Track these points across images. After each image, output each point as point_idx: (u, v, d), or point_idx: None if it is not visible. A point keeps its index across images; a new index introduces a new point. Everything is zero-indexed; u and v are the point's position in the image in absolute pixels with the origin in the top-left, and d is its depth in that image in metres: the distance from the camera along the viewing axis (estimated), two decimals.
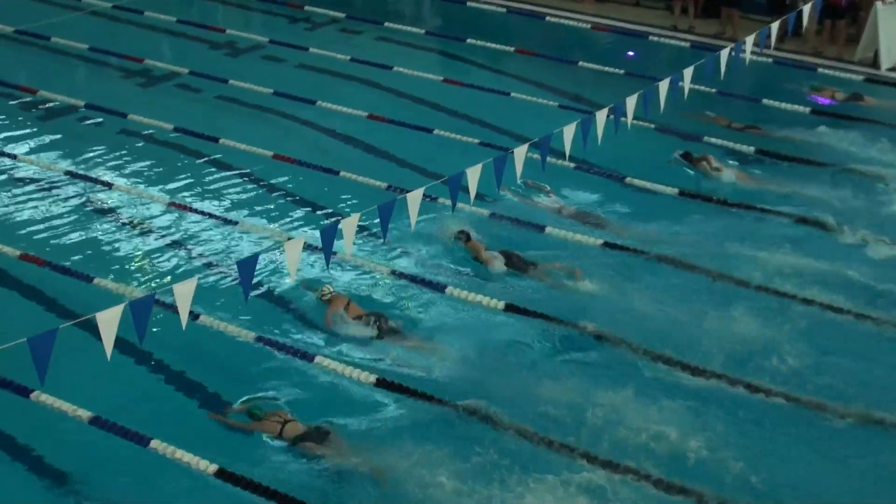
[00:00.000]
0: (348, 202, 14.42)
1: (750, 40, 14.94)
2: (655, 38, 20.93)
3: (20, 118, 17.18)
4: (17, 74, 18.74)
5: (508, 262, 13.12)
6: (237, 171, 15.44)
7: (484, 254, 13.22)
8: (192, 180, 15.20)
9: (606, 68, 19.25)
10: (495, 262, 13.11)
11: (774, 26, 15.57)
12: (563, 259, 13.18)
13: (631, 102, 13.04)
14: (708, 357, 11.55)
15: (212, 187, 15.03)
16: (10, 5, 22.08)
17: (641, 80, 17.73)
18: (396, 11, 22.88)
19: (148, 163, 15.72)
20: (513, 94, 18.15)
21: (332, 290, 12.15)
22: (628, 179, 15.26)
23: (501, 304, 12.32)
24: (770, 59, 19.37)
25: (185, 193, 14.80)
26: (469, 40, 20.44)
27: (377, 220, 10.91)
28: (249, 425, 10.43)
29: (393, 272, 12.89)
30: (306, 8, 22.38)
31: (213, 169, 15.54)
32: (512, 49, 20.17)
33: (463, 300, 12.42)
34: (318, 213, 14.28)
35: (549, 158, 12.51)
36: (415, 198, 10.74)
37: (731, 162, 16.00)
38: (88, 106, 17.41)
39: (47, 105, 17.59)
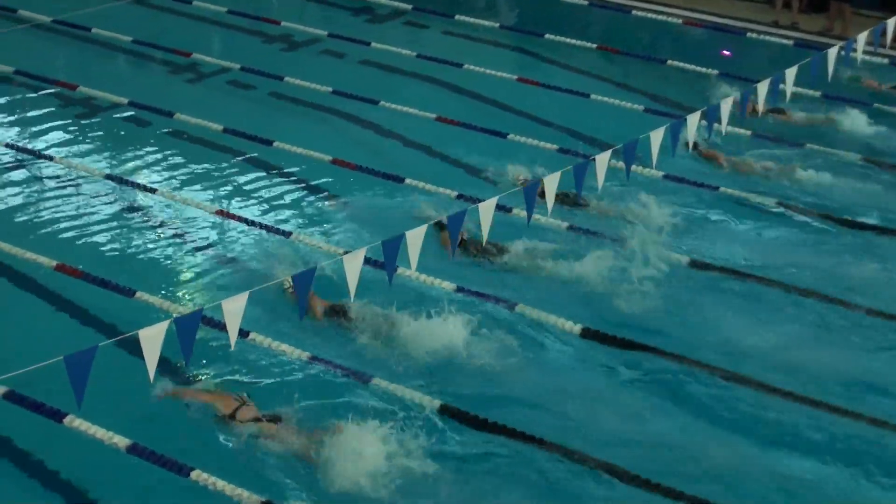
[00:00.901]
0: (414, 212, 14.45)
1: (862, 38, 14.81)
2: (754, 35, 20.79)
3: (57, 116, 17.42)
4: (54, 68, 19.00)
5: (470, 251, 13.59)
6: (292, 177, 15.53)
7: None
8: (242, 186, 15.33)
9: (698, 68, 19.15)
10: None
11: (891, 23, 15.41)
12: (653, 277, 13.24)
13: (726, 106, 12.97)
14: (820, 388, 11.50)
15: (264, 194, 15.14)
16: None
17: (738, 82, 17.71)
18: (468, 3, 22.93)
19: (195, 166, 15.88)
20: (594, 96, 18.12)
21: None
22: (722, 189, 15.19)
23: (578, 328, 12.32)
24: (886, 60, 19.16)
25: (235, 200, 14.93)
26: (547, 36, 20.43)
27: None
28: (207, 395, 10.93)
29: (459, 289, 12.91)
30: None
31: (265, 174, 15.66)
32: (594, 46, 20.12)
33: (536, 320, 12.44)
34: (381, 223, 14.33)
35: (633, 167, 12.53)
36: (487, 208, 10.76)
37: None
38: (132, 104, 17.61)
39: (87, 102, 17.82)
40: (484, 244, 11.23)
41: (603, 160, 11.93)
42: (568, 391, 11.47)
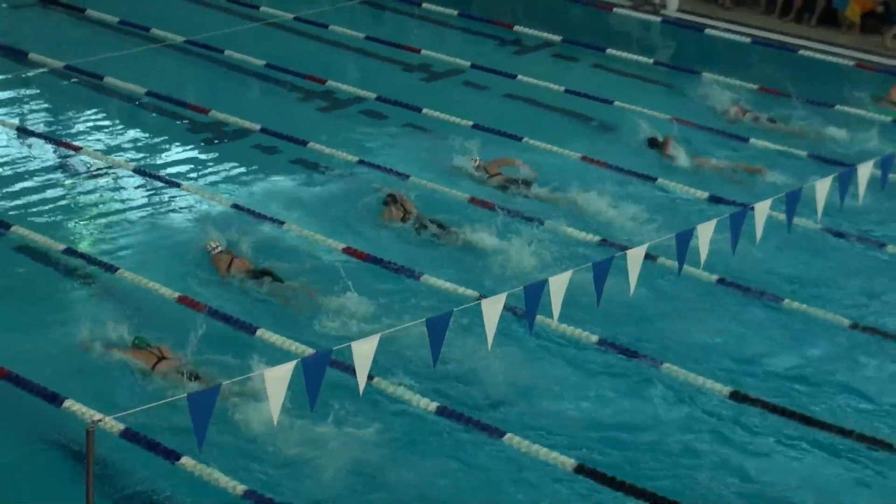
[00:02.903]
0: (556, 257, 14.46)
1: None
2: None
3: (187, 140, 17.84)
4: (185, 90, 19.45)
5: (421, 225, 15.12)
6: (428, 214, 15.56)
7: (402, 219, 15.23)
8: (376, 224, 15.42)
9: (870, 114, 18.95)
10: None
11: None
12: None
13: None
14: None
15: (399, 232, 15.23)
16: (180, 12, 22.96)
17: None
18: (621, 36, 22.93)
19: (327, 201, 16.01)
20: (752, 141, 18.00)
21: (218, 244, 14.15)
22: (890, 248, 15.01)
23: (726, 391, 12.22)
24: None
25: (368, 238, 15.05)
26: (705, 74, 20.35)
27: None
28: (125, 351, 12.26)
29: (601, 341, 12.90)
30: (516, 28, 22.65)
31: (401, 211, 15.71)
32: (755, 87, 20.01)
33: (681, 379, 12.39)
34: (521, 268, 14.34)
35: (795, 218, 12.44)
36: (636, 257, 10.75)
37: None
38: (264, 130, 17.94)
39: (217, 127, 18.19)
40: (631, 292, 11.21)
41: (763, 209, 11.85)
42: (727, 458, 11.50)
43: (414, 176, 16.53)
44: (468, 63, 20.82)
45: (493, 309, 9.70)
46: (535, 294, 10.02)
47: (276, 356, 11.86)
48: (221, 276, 13.94)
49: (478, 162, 16.72)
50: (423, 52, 21.35)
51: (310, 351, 12.08)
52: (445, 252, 14.76)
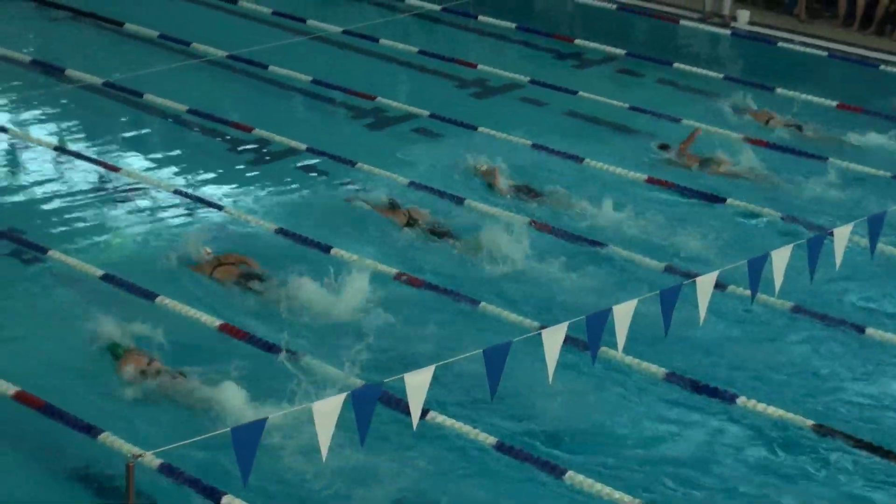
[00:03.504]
0: (618, 285, 14.40)
1: None
2: None
3: (229, 160, 17.89)
4: (228, 108, 19.53)
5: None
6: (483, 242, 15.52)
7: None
8: (429, 249, 15.41)
9: None
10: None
11: None
12: None
13: None
14: None
15: (453, 259, 15.22)
16: (222, 26, 23.12)
17: None
18: (689, 50, 22.89)
19: (376, 226, 15.96)
20: (831, 160, 17.87)
21: (210, 251, 14.72)
22: None
23: (808, 423, 12.10)
24: None
25: (420, 265, 15.02)
26: (779, 90, 20.27)
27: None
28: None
29: (670, 375, 12.80)
30: (577, 42, 22.63)
31: (454, 237, 15.66)
32: (834, 104, 19.89)
33: (758, 413, 12.27)
34: (580, 296, 14.28)
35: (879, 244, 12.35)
36: (706, 284, 10.67)
37: None
38: (310, 150, 17.97)
39: (262, 146, 18.25)
40: (701, 322, 11.15)
41: (843, 234, 11.75)
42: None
43: (469, 199, 16.49)
44: (526, 78, 20.82)
45: (554, 339, 9.66)
46: (598, 324, 9.96)
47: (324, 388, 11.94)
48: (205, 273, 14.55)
49: (486, 168, 16.89)
50: (480, 66, 21.36)
51: (359, 383, 12.05)
52: (503, 279, 14.70)
